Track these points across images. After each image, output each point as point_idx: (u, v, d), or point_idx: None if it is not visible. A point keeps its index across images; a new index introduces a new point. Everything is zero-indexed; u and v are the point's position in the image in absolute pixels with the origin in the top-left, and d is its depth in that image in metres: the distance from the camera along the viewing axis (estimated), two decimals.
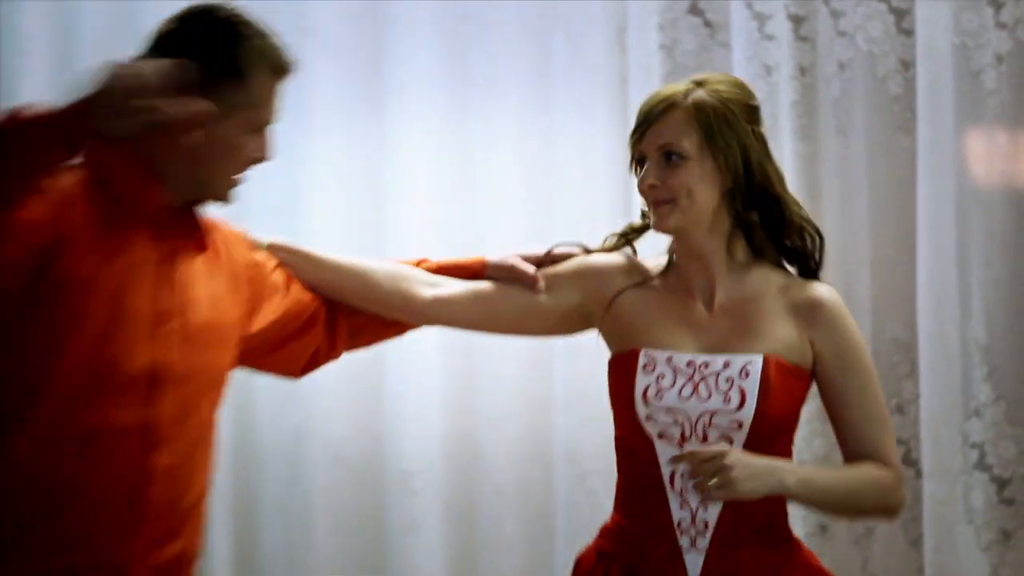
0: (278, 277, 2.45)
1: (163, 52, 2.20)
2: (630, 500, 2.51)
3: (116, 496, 2.16)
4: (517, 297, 2.60)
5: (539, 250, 2.66)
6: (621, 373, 2.48)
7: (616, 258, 2.61)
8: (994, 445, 3.67)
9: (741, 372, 2.45)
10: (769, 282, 2.56)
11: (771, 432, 2.44)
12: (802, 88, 3.70)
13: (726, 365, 2.45)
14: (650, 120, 2.52)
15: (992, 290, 3.68)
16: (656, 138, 2.51)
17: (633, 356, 2.47)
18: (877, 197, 3.72)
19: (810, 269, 2.56)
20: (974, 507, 3.65)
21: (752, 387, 2.44)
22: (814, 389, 2.54)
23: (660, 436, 2.49)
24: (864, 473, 2.49)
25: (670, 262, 2.59)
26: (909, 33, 3.68)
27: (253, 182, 2.43)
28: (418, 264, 2.66)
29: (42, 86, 3.55)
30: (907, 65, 3.69)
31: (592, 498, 3.61)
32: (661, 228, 2.53)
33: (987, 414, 3.67)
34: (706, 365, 2.46)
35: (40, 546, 2.14)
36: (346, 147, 3.59)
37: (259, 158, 2.34)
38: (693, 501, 2.47)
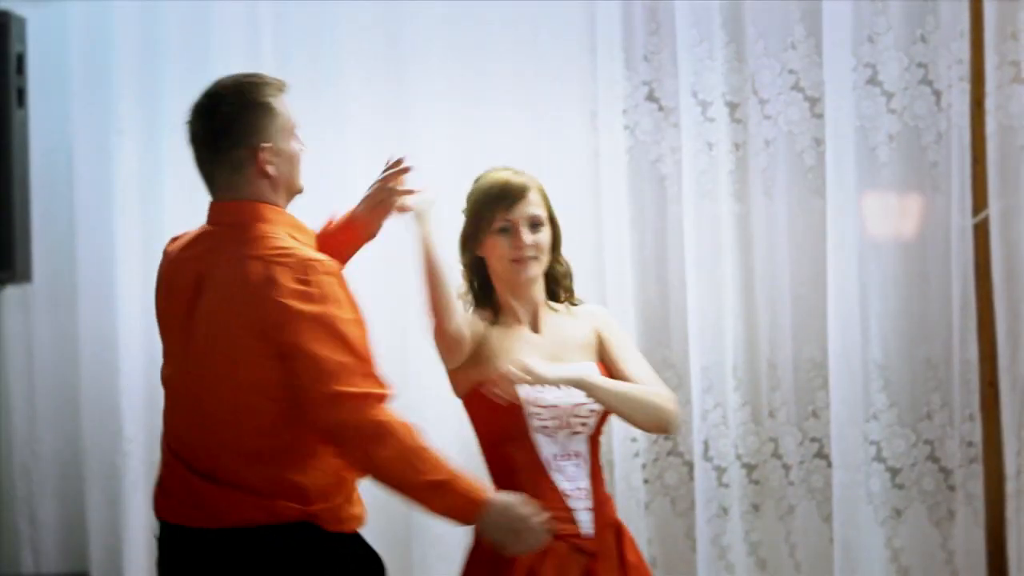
0: None
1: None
2: (514, 486, 2.81)
3: None
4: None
5: None
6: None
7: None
8: (888, 442, 3.86)
9: None
10: (558, 308, 3.06)
11: (607, 411, 2.97)
12: (736, 160, 3.93)
13: None
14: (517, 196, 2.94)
15: (886, 320, 3.86)
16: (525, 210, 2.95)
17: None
18: (796, 247, 3.94)
19: (570, 295, 3.08)
20: (873, 491, 3.83)
21: None
22: None
23: (540, 429, 2.91)
24: (642, 387, 2.97)
25: (495, 306, 3.01)
26: (820, 117, 3.88)
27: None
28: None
29: None
30: (819, 142, 3.89)
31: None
32: (528, 278, 2.97)
33: (883, 418, 3.85)
34: None
35: None
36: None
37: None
38: (573, 475, 2.91)
